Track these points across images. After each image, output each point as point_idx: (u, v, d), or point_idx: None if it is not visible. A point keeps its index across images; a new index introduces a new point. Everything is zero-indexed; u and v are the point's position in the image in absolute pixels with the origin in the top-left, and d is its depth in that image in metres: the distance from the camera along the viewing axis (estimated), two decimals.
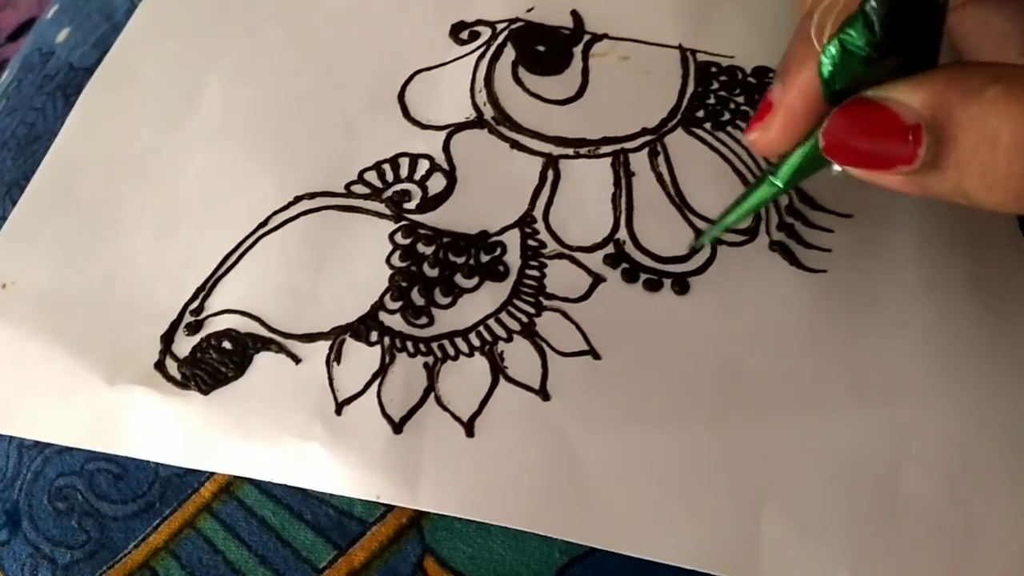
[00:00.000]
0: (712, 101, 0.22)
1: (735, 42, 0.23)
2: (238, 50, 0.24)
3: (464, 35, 0.23)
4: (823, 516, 0.17)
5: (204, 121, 0.23)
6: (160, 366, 0.19)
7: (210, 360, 0.19)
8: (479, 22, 0.24)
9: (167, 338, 0.19)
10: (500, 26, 0.23)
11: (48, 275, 0.21)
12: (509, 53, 0.23)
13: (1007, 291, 0.20)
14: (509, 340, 0.19)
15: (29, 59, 0.30)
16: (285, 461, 0.18)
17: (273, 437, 0.18)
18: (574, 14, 0.24)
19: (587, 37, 0.23)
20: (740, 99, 0.22)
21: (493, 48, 0.23)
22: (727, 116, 0.22)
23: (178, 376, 0.19)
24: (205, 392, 0.19)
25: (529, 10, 0.24)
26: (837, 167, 0.15)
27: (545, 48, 0.23)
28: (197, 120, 0.23)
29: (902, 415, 0.18)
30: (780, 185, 0.16)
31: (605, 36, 0.23)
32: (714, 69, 0.23)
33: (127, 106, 0.24)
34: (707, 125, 0.22)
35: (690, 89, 0.22)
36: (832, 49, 0.14)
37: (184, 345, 0.19)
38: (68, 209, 0.22)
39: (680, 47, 0.23)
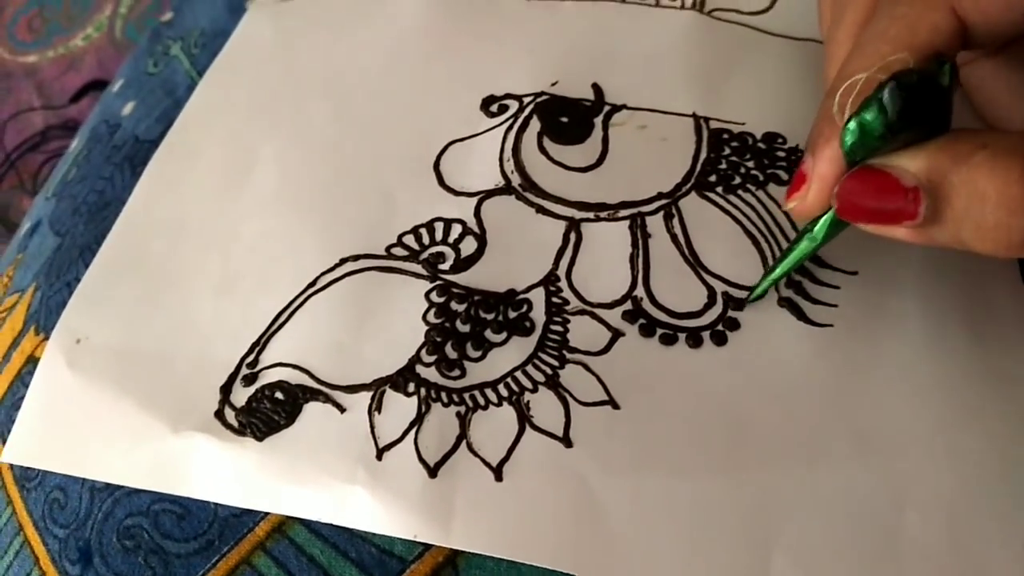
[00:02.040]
0: (724, 166, 0.24)
1: (746, 110, 0.25)
2: (288, 126, 0.27)
3: (494, 108, 0.25)
4: (830, 563, 0.18)
5: (257, 191, 0.25)
6: (219, 415, 0.21)
7: (264, 409, 0.21)
8: (508, 96, 0.26)
9: (226, 389, 0.22)
10: (527, 99, 0.25)
11: (118, 332, 0.23)
12: (535, 125, 0.25)
13: (1008, 345, 0.21)
14: (535, 391, 0.20)
15: (97, 130, 0.33)
16: (331, 503, 0.19)
17: (321, 480, 0.20)
18: (595, 87, 0.26)
19: (607, 108, 0.25)
20: (750, 164, 0.24)
21: (520, 120, 0.25)
22: (738, 180, 0.23)
23: (235, 424, 0.21)
24: (260, 439, 0.20)
25: (554, 84, 0.26)
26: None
27: (568, 119, 0.25)
28: (251, 190, 0.25)
29: (904, 464, 0.19)
30: (818, 240, 0.19)
31: (624, 107, 0.25)
32: (726, 136, 0.25)
33: (189, 177, 0.26)
34: (719, 189, 0.23)
35: (703, 155, 0.24)
36: (851, 128, 0.16)
37: (241, 395, 0.21)
38: (136, 271, 0.25)
39: (694, 115, 0.25)
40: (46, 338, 0.25)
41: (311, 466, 0.20)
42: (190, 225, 0.25)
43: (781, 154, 0.24)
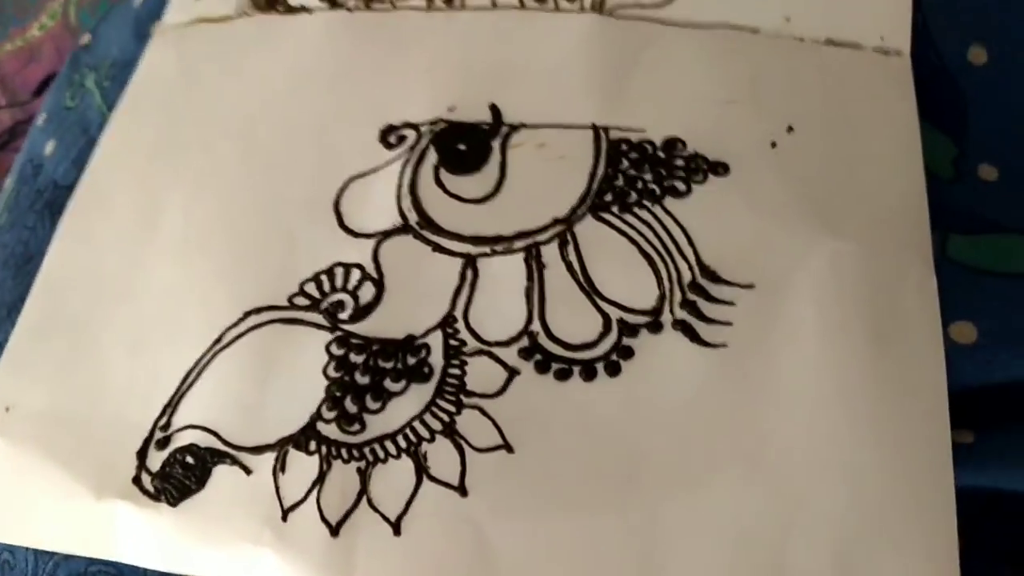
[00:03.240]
0: (620, 182, 0.24)
1: (647, 113, 0.25)
2: (193, 167, 0.26)
3: (392, 139, 0.25)
4: None
5: (165, 240, 0.25)
6: (137, 480, 0.22)
7: (177, 474, 0.21)
8: (406, 125, 0.25)
9: (141, 454, 0.22)
10: (424, 128, 0.25)
11: (43, 397, 0.24)
12: (432, 156, 0.25)
13: (911, 351, 0.21)
14: (432, 440, 0.21)
15: (24, 170, 0.33)
16: (243, 565, 0.20)
17: (232, 543, 0.20)
18: (492, 108, 0.25)
19: (505, 130, 0.25)
20: (648, 176, 0.24)
21: (417, 153, 0.25)
22: (634, 197, 0.23)
23: (151, 489, 0.22)
24: (173, 504, 0.21)
25: (451, 109, 0.25)
26: None
27: (466, 146, 0.25)
28: (159, 239, 0.25)
29: (792, 486, 0.19)
30: None
31: (522, 126, 0.25)
32: (624, 147, 0.24)
33: (101, 228, 0.26)
34: (615, 208, 0.23)
35: (600, 172, 0.24)
36: None
37: (155, 460, 0.22)
38: (57, 332, 0.25)
39: (593, 126, 0.25)
40: None
41: (222, 529, 0.21)
42: (104, 279, 0.25)
43: (679, 163, 0.24)
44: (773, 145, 0.24)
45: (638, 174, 0.24)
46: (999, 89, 0.26)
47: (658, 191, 0.23)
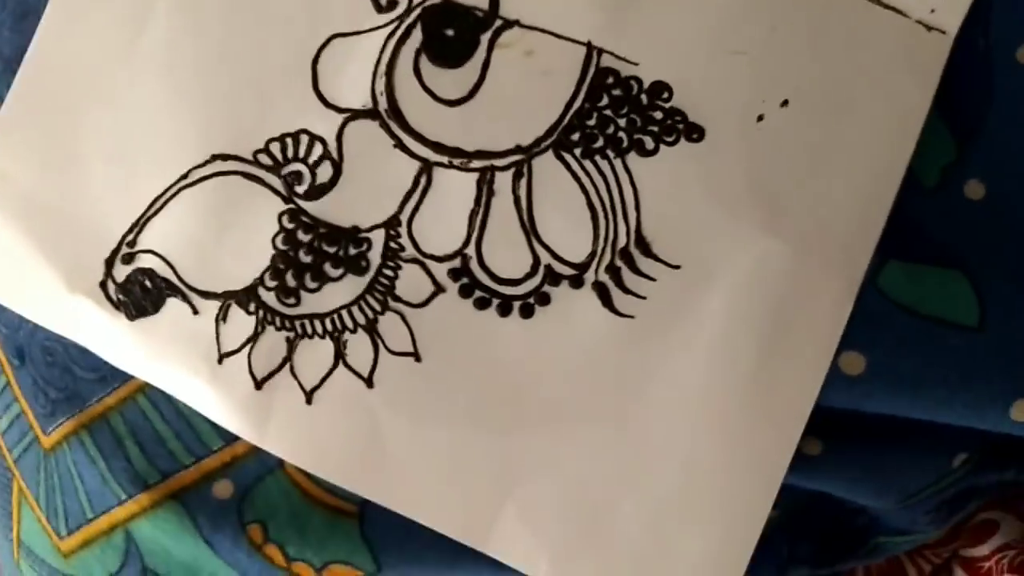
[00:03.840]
0: (592, 122, 0.23)
1: (649, 43, 0.23)
2: None
3: (383, 0, 0.24)
4: (548, 524, 0.23)
5: (151, 48, 0.25)
6: (103, 285, 0.25)
7: (136, 293, 0.25)
8: None
9: (109, 263, 0.25)
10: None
11: (31, 177, 0.26)
12: (416, 36, 0.24)
13: (787, 377, 0.23)
14: (354, 332, 0.23)
15: None
16: (181, 386, 0.24)
17: (174, 367, 0.24)
18: None
19: (498, 23, 0.24)
20: (622, 121, 0.23)
21: (403, 27, 0.24)
22: (600, 143, 0.23)
23: (114, 298, 0.25)
24: (131, 319, 0.25)
25: None
26: None
27: (454, 32, 0.24)
28: (145, 45, 0.25)
29: (640, 457, 0.23)
30: None
31: (517, 23, 0.24)
32: (611, 80, 0.23)
33: (92, 13, 0.26)
34: (577, 151, 0.23)
35: (577, 103, 0.23)
36: None
37: (120, 272, 0.25)
38: (44, 116, 0.26)
39: (588, 44, 0.23)
40: None
41: (168, 354, 0.24)
42: (90, 71, 0.26)
43: (658, 115, 0.23)
44: (760, 119, 0.23)
45: (613, 116, 0.23)
46: None
47: (625, 143, 0.23)
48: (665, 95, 0.23)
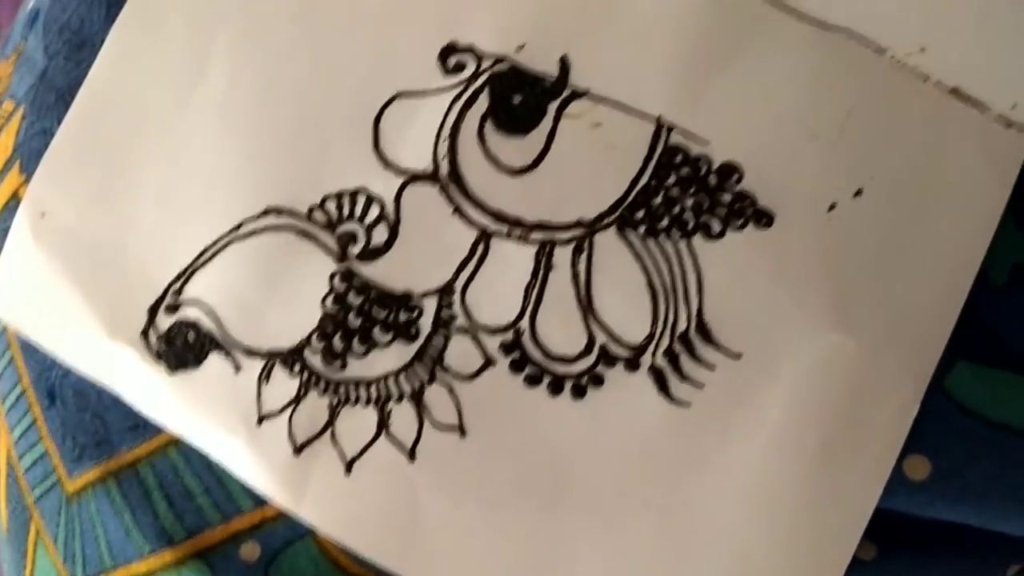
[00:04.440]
0: (658, 201, 0.23)
1: (721, 120, 0.23)
2: (250, 22, 0.25)
3: (451, 62, 0.24)
4: None
5: (211, 91, 0.25)
6: (145, 334, 0.24)
7: (178, 345, 0.24)
8: (469, 50, 0.24)
9: (152, 311, 0.24)
10: (485, 63, 0.23)
11: (75, 215, 0.26)
12: (483, 101, 0.23)
13: (847, 479, 0.21)
14: (399, 401, 0.23)
15: None
16: (217, 445, 0.23)
17: (211, 423, 0.24)
18: (562, 61, 0.23)
19: (567, 92, 0.23)
20: (689, 202, 0.23)
21: (470, 91, 0.23)
22: (665, 223, 0.22)
23: (156, 348, 0.24)
24: (171, 371, 0.24)
25: (520, 47, 0.23)
26: None
27: (521, 99, 0.23)
28: (204, 89, 0.25)
29: (686, 557, 0.22)
30: None
31: (587, 93, 0.23)
32: (679, 158, 0.23)
33: (151, 51, 0.26)
34: (641, 229, 0.22)
35: (643, 180, 0.23)
36: None
37: (163, 322, 0.24)
38: (95, 152, 0.26)
39: (658, 120, 0.23)
40: (27, 180, 0.27)
41: (207, 410, 0.24)
42: (146, 112, 0.26)
43: (726, 197, 0.22)
44: (831, 208, 0.22)
45: (680, 196, 0.23)
46: None
47: (691, 224, 0.22)
48: (735, 177, 0.22)
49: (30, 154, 0.28)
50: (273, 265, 0.24)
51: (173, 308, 0.24)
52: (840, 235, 0.22)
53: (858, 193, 0.22)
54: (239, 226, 0.24)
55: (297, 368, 0.23)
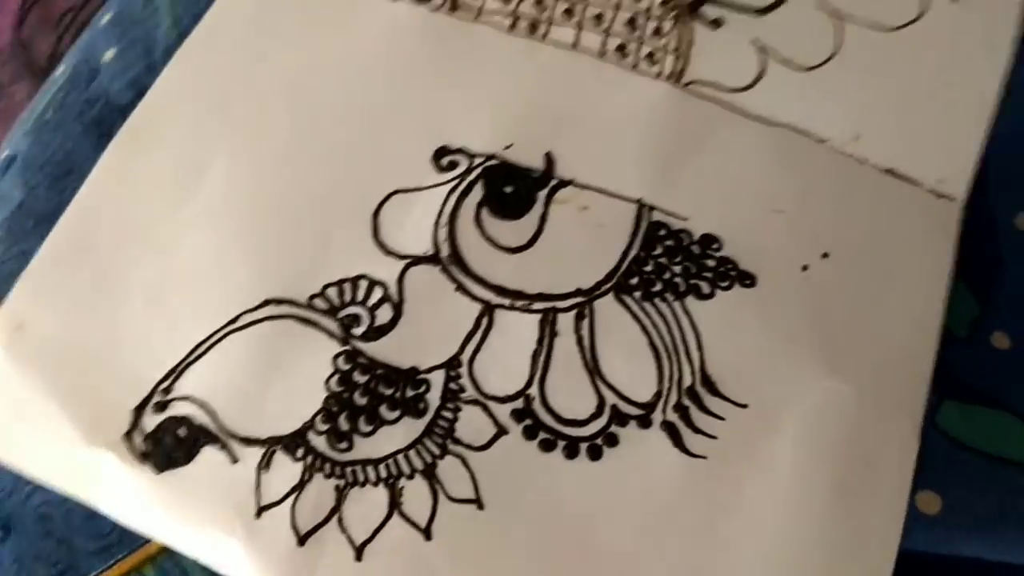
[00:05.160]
0: (649, 268, 0.24)
1: (695, 201, 0.25)
2: (247, 129, 0.27)
3: (444, 162, 0.25)
4: None
5: (206, 199, 0.26)
6: (128, 436, 0.23)
7: (167, 443, 0.23)
8: (460, 151, 0.26)
9: (138, 411, 0.23)
10: (477, 160, 0.25)
11: (55, 325, 0.25)
12: (477, 191, 0.25)
13: (867, 521, 0.22)
14: (411, 477, 0.22)
15: (79, 70, 0.33)
16: (210, 548, 0.21)
17: (203, 524, 0.22)
18: (547, 157, 0.25)
19: (554, 182, 0.25)
20: (677, 268, 0.24)
21: (465, 184, 0.25)
22: (658, 287, 0.24)
23: (141, 449, 0.23)
24: (158, 471, 0.22)
25: (508, 147, 0.26)
26: None
27: (513, 189, 0.25)
28: (200, 197, 0.26)
29: None
30: None
31: (572, 183, 0.25)
32: (663, 232, 0.25)
33: (147, 169, 0.27)
34: (637, 294, 0.24)
35: (633, 252, 0.24)
36: None
37: (150, 421, 0.23)
38: (82, 263, 0.26)
39: (639, 202, 0.25)
40: None
41: (198, 510, 0.22)
42: (138, 222, 0.26)
43: (710, 263, 0.24)
44: (804, 268, 0.24)
45: (668, 263, 0.24)
46: None
47: (682, 287, 0.24)
48: (715, 246, 0.24)
49: (3, 277, 0.27)
50: (272, 351, 0.23)
51: (162, 406, 0.23)
52: (817, 291, 0.24)
53: (825, 255, 0.24)
54: (236, 319, 0.24)
55: (300, 452, 0.22)
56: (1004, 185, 0.26)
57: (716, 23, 0.28)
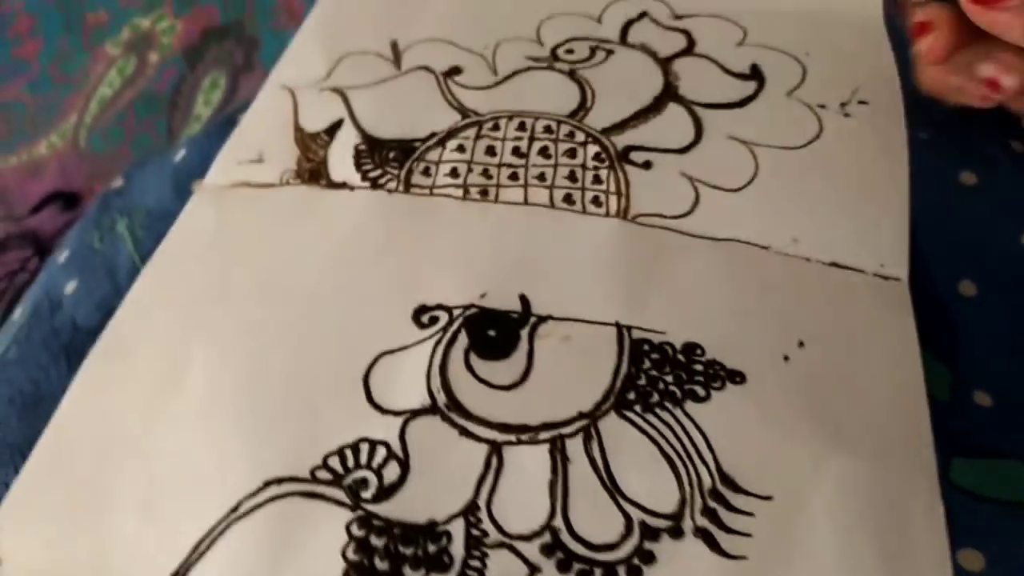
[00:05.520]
0: (643, 382, 0.25)
1: (667, 317, 0.26)
2: (223, 330, 0.27)
3: (425, 319, 0.26)
4: None
5: (186, 401, 0.25)
6: None
7: None
8: (439, 307, 0.26)
9: None
10: (456, 312, 0.26)
11: (41, 556, 0.23)
12: (463, 340, 0.26)
13: (919, 569, 0.21)
14: None
15: (39, 306, 0.33)
16: None
17: None
18: (522, 299, 0.26)
19: (533, 320, 0.26)
20: (669, 378, 0.25)
21: (449, 335, 0.26)
22: (656, 397, 0.24)
23: None
24: None
25: (483, 296, 0.27)
26: None
27: (496, 332, 0.26)
28: (181, 399, 0.26)
29: None
30: None
31: (550, 317, 0.26)
32: (646, 347, 0.25)
33: (123, 381, 0.27)
34: (638, 407, 0.24)
35: (623, 370, 0.25)
36: None
37: None
38: (64, 487, 0.24)
39: (616, 324, 0.26)
40: None
41: None
42: (121, 436, 0.25)
43: (699, 367, 0.25)
44: (786, 359, 0.25)
45: (659, 375, 0.25)
46: (987, 320, 0.28)
47: (679, 394, 0.24)
48: (699, 351, 0.25)
49: None
50: (281, 533, 0.22)
51: None
52: (803, 376, 0.25)
53: (801, 344, 0.26)
54: (236, 507, 0.23)
55: None
56: (939, 259, 0.29)
57: (646, 165, 0.30)
